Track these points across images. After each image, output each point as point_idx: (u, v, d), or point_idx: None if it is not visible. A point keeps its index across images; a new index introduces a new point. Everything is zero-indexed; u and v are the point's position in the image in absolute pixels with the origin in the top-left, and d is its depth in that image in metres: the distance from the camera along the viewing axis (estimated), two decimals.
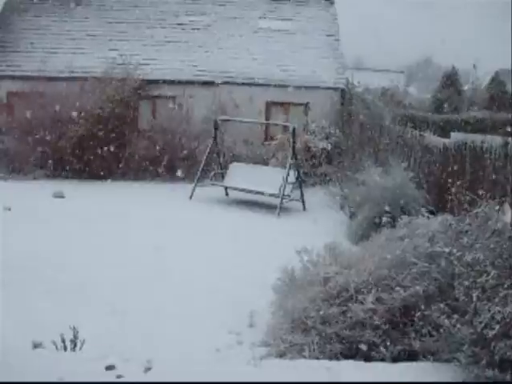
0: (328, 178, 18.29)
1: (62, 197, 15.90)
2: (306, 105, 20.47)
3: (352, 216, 13.63)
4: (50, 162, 18.51)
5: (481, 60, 35.68)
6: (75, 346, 6.39)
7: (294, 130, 16.05)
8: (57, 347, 6.28)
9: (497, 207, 6.82)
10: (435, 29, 72.76)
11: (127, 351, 6.55)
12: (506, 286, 5.71)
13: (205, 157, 17.07)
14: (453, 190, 11.34)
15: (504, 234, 6.20)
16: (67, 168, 18.60)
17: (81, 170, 18.55)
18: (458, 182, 9.25)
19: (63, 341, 6.32)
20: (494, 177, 10.47)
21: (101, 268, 10.41)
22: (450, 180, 11.76)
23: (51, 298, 8.85)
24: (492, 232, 6.29)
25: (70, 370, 5.45)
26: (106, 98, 18.77)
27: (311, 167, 18.98)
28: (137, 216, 14.21)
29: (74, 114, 18.39)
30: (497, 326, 5.39)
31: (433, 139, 13.56)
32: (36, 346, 6.47)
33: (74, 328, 6.44)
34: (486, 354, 5.43)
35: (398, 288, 6.70)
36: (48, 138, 18.38)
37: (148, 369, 5.53)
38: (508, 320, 5.40)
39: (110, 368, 5.49)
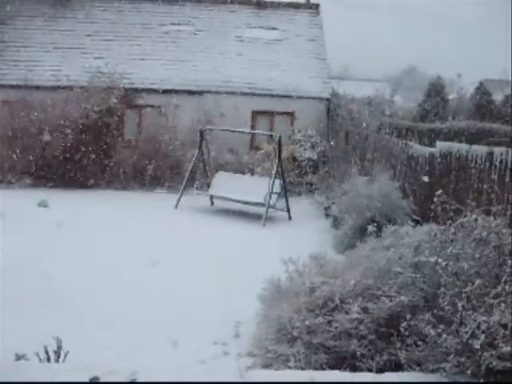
0: (314, 187, 18.32)
1: (46, 206, 15.80)
2: (292, 114, 20.50)
3: (337, 225, 13.63)
4: (35, 170, 18.40)
5: (466, 69, 35.92)
6: (59, 357, 6.32)
7: (279, 139, 16.05)
8: (40, 359, 6.21)
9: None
10: (420, 38, 73.13)
11: (112, 363, 6.49)
12: (491, 295, 5.72)
13: (190, 166, 17.05)
14: (438, 198, 11.34)
15: (489, 243, 6.21)
16: (53, 177, 18.50)
17: (66, 178, 18.46)
18: (439, 192, 9.24)
19: (46, 352, 6.25)
20: (479, 186, 10.50)
21: (81, 278, 10.34)
22: (435, 189, 11.77)
23: (34, 308, 8.77)
24: (477, 241, 6.29)
25: (53, 382, 5.38)
26: (91, 107, 18.72)
27: (297, 176, 19.00)
28: (120, 225, 14.13)
29: (60, 122, 18.30)
30: (482, 336, 5.38)
31: (418, 148, 13.59)
32: (19, 357, 6.38)
33: (58, 339, 6.37)
34: (472, 364, 5.43)
35: (383, 298, 6.68)
36: (33, 146, 18.28)
37: (133, 380, 5.48)
38: (493, 330, 5.40)
39: (94, 379, 5.42)
